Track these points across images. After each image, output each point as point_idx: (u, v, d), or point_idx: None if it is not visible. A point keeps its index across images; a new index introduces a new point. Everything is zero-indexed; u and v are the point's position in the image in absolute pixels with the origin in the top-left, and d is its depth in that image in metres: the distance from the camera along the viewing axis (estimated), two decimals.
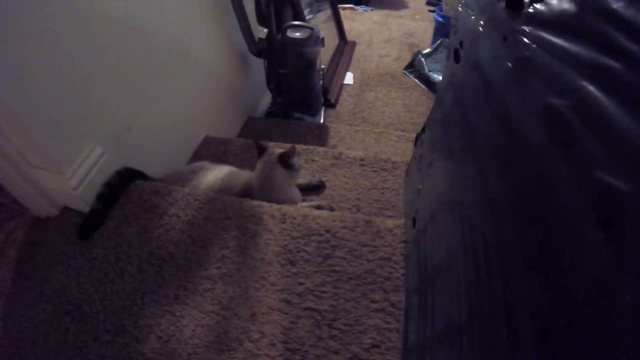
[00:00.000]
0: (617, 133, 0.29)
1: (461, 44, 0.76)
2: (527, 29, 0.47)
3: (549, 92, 0.39)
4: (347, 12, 3.67)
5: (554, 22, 0.42)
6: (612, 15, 0.31)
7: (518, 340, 0.39)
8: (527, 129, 0.43)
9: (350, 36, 3.10)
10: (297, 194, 1.27)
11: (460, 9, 0.81)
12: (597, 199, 0.30)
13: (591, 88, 0.32)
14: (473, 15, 0.71)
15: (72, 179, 0.98)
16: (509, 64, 0.51)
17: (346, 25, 3.08)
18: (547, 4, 0.43)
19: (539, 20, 0.45)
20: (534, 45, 0.45)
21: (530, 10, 0.47)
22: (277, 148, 1.24)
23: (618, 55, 0.30)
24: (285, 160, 1.16)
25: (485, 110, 0.59)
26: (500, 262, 0.46)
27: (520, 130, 0.45)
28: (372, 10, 3.84)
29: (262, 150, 1.21)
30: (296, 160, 1.19)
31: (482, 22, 0.66)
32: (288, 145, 1.19)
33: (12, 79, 0.80)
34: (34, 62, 0.84)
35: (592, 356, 0.29)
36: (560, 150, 0.36)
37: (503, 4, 0.55)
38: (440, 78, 2.44)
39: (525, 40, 0.46)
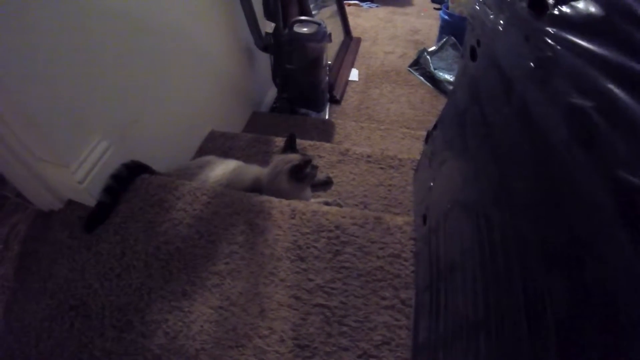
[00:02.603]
0: None
1: (478, 42, 0.75)
2: (551, 30, 0.46)
3: (573, 93, 0.39)
4: (352, 9, 3.65)
5: (580, 24, 0.42)
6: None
7: (539, 336, 0.38)
8: (549, 127, 0.43)
9: (355, 33, 3.09)
10: (307, 194, 1.26)
11: (478, 7, 0.80)
12: (621, 199, 0.30)
13: (618, 91, 0.32)
14: (492, 14, 0.70)
15: (77, 172, 0.97)
16: (531, 64, 0.50)
17: (351, 21, 3.06)
18: (572, 6, 0.43)
19: (564, 22, 0.44)
20: (558, 47, 0.44)
21: (555, 12, 0.46)
22: (293, 155, 1.21)
23: None
24: (296, 174, 1.14)
25: (504, 109, 0.58)
26: (520, 259, 0.46)
27: (543, 129, 0.45)
28: (377, 7, 3.82)
29: (289, 147, 1.21)
30: (309, 172, 1.16)
31: (501, 22, 0.65)
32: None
33: (17, 71, 0.79)
34: (39, 54, 0.82)
35: (617, 353, 0.28)
36: (584, 149, 0.36)
37: (524, 4, 0.54)
38: (446, 76, 2.43)
39: (549, 41, 0.46)
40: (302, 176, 1.15)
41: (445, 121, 0.95)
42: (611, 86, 0.33)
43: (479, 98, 0.72)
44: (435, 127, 1.04)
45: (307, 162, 1.13)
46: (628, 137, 0.30)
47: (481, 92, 0.71)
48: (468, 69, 0.81)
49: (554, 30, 0.46)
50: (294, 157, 1.18)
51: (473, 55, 0.78)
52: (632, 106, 0.30)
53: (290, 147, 1.25)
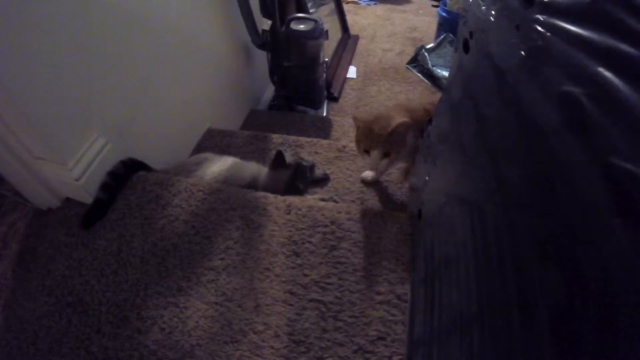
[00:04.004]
0: (633, 119, 0.28)
1: (471, 34, 0.76)
2: (540, 17, 0.46)
3: (564, 80, 0.39)
4: (350, 6, 3.65)
5: (568, 10, 0.42)
6: (628, 3, 0.32)
7: (532, 328, 0.38)
8: (541, 116, 0.43)
9: (353, 30, 3.08)
10: None
11: (470, 0, 0.80)
12: (613, 185, 0.30)
13: (608, 74, 0.32)
14: (484, 6, 0.70)
15: (74, 169, 0.97)
16: (522, 53, 0.50)
17: (349, 19, 3.06)
18: None
19: (553, 9, 0.45)
20: (548, 34, 0.44)
21: None
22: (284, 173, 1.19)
23: (635, 42, 0.30)
24: (292, 189, 1.15)
25: (496, 100, 0.58)
26: (513, 251, 0.46)
27: (534, 118, 0.45)
28: (375, 4, 3.81)
29: (278, 162, 1.19)
30: (303, 183, 1.17)
31: (493, 12, 0.65)
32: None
33: (14, 68, 0.79)
34: (36, 52, 0.82)
35: (611, 344, 0.28)
36: (575, 136, 0.36)
37: None
38: (444, 73, 2.42)
39: (539, 28, 0.46)
40: (300, 189, 1.16)
41: (440, 115, 0.95)
42: (603, 71, 0.33)
43: (472, 90, 0.72)
44: (430, 121, 1.04)
45: (303, 171, 1.14)
46: (621, 123, 0.30)
47: (474, 84, 0.71)
48: (461, 62, 0.81)
49: (544, 17, 0.46)
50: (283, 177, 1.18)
51: (466, 48, 0.78)
52: (625, 91, 0.30)
53: (278, 164, 1.21)
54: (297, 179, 1.14)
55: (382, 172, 1.32)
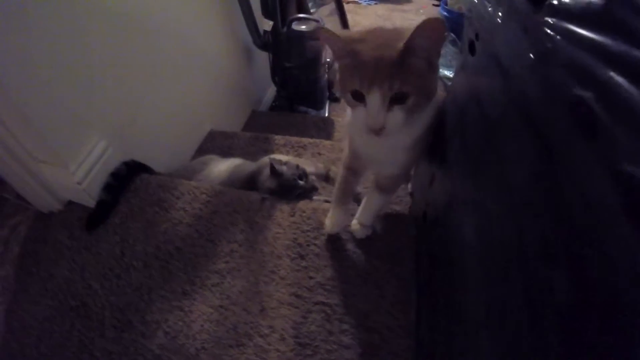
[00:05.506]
0: None
1: (477, 35, 0.75)
2: (550, 20, 0.46)
3: (574, 84, 0.38)
4: (350, 6, 3.64)
5: (579, 14, 0.41)
6: None
7: (539, 329, 0.38)
8: (549, 120, 0.42)
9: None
10: None
11: (476, 0, 0.79)
12: (624, 192, 0.29)
13: (619, 79, 0.31)
14: (490, 7, 0.70)
15: (76, 173, 0.97)
16: (531, 56, 0.50)
17: (350, 18, 3.03)
18: None
19: (563, 12, 0.44)
20: (557, 37, 0.43)
21: (554, 1, 0.46)
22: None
23: None
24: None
25: (503, 102, 0.58)
26: (520, 254, 0.45)
27: (542, 122, 0.44)
28: (375, 4, 3.80)
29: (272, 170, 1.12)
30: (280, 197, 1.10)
31: (500, 14, 0.64)
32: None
33: (15, 72, 0.79)
34: (37, 55, 0.82)
35: (617, 344, 0.28)
36: (585, 142, 0.35)
37: None
38: (446, 72, 2.41)
39: (549, 31, 0.45)
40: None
41: (444, 115, 0.94)
42: (614, 76, 0.32)
43: (477, 92, 0.71)
44: None
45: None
46: (632, 128, 0.30)
47: (480, 85, 0.71)
48: (466, 62, 0.80)
49: (554, 20, 0.45)
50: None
51: (472, 50, 0.78)
52: (636, 96, 0.29)
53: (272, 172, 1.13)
54: (275, 192, 1.08)
55: (391, 133, 0.65)
